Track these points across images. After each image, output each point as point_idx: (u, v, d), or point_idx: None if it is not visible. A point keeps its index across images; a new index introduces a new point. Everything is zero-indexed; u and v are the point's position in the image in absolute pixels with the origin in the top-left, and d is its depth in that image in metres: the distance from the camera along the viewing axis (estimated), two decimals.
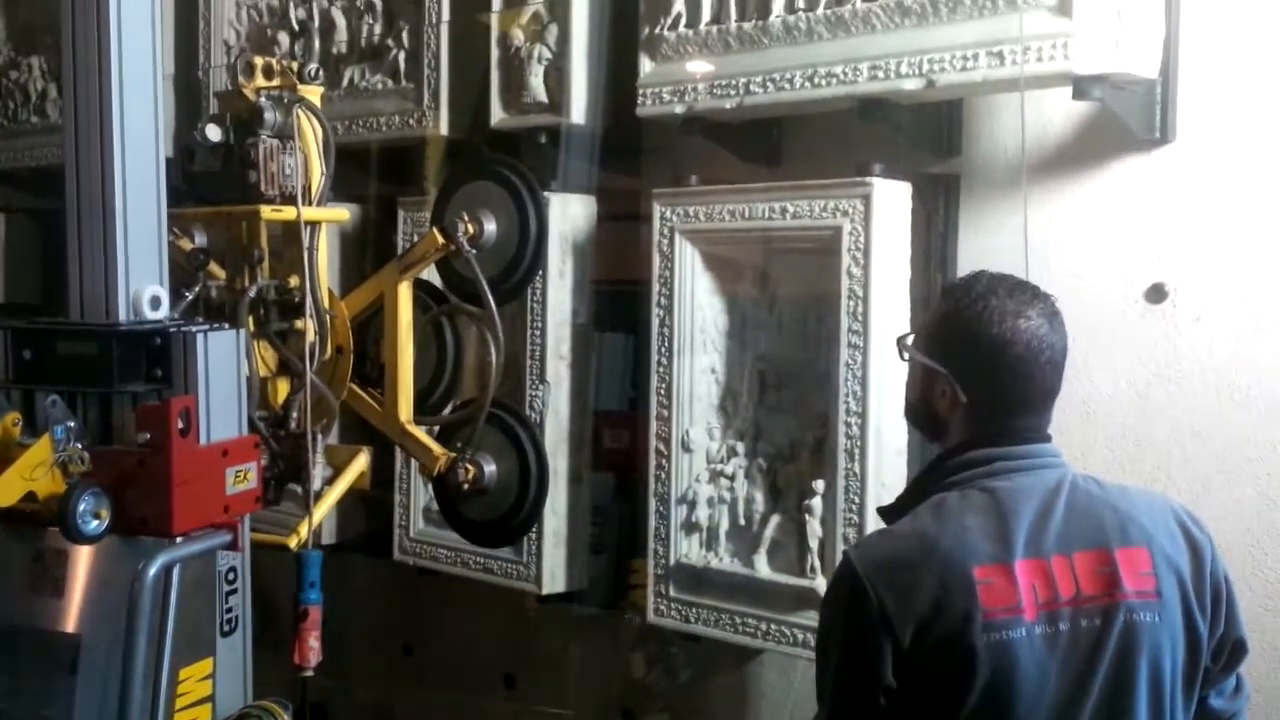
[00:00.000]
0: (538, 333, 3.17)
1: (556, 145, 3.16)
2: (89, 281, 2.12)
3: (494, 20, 3.22)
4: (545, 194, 2.92)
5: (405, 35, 3.42)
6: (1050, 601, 1.71)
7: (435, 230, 2.82)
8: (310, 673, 2.40)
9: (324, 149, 2.68)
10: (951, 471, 1.83)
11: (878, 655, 1.70)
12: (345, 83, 3.51)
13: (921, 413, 1.92)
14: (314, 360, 2.65)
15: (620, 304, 3.28)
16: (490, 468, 2.93)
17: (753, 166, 3.03)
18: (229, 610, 2.16)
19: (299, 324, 2.66)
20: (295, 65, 2.68)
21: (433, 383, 3.01)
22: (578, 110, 3.11)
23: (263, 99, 2.57)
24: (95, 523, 1.93)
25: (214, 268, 2.73)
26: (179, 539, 1.99)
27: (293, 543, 2.60)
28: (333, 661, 2.49)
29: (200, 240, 2.77)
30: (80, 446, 1.97)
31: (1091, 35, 2.31)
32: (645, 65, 2.97)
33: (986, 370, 1.80)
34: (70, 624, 2.04)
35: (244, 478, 2.13)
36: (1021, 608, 1.69)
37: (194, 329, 2.12)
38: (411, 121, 3.40)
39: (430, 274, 2.99)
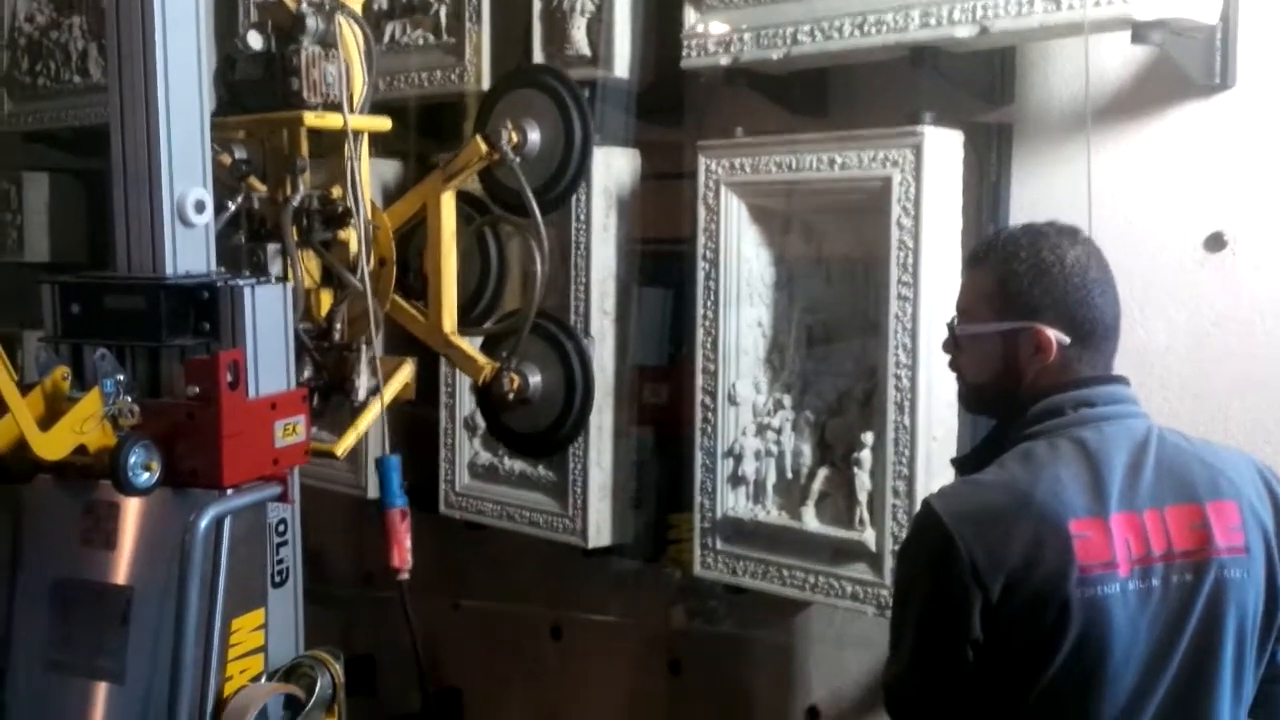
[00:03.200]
0: (581, 287, 3.15)
1: (599, 99, 3.13)
2: (135, 234, 2.12)
3: None
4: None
5: None
6: (1144, 557, 1.69)
7: (479, 138, 2.80)
8: (406, 576, 2.37)
9: (366, 57, 2.66)
10: (1035, 420, 1.79)
11: (967, 608, 1.68)
12: (386, 38, 3.48)
13: (996, 386, 1.87)
14: (357, 270, 2.65)
15: (659, 258, 3.25)
16: (535, 378, 2.93)
17: (800, 118, 2.97)
18: (280, 561, 2.17)
19: (342, 234, 2.65)
20: None
21: (476, 294, 3.01)
22: (621, 63, 3.07)
23: (304, 5, 2.55)
24: (146, 475, 1.94)
25: (254, 181, 2.72)
26: (229, 491, 2.00)
27: (339, 450, 2.61)
28: (381, 615, 2.48)
29: (240, 154, 2.76)
30: (130, 399, 1.98)
31: None
32: (689, 16, 2.92)
33: (1080, 301, 1.79)
34: (122, 576, 2.06)
35: (293, 431, 2.13)
36: (1116, 563, 1.67)
37: (241, 283, 2.12)
38: (453, 77, 3.36)
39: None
